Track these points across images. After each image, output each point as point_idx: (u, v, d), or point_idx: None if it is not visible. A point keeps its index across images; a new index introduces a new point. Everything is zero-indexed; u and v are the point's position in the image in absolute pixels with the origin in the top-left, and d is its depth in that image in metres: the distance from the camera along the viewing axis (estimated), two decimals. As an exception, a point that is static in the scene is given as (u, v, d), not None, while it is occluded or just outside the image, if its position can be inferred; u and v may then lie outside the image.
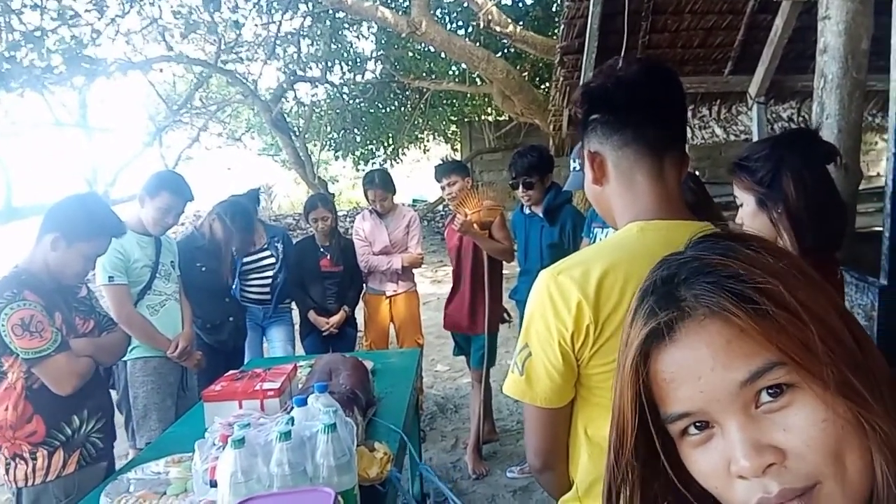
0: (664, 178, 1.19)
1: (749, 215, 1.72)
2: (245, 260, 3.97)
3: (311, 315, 4.25)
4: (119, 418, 2.98)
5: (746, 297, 0.56)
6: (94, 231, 2.34)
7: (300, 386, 2.55)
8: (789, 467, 0.55)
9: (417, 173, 18.60)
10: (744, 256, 0.60)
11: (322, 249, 4.26)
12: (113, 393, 3.08)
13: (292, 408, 1.76)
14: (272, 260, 4.10)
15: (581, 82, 4.36)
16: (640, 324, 0.63)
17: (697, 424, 0.60)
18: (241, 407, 2.31)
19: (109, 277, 2.99)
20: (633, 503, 0.67)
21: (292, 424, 1.59)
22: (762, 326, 0.55)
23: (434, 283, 9.52)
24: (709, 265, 0.60)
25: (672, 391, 0.60)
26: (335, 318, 4.24)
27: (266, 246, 4.09)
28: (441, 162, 4.34)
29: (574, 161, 2.10)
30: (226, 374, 2.61)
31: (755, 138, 4.06)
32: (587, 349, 1.09)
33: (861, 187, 3.07)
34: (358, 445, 1.91)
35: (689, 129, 4.79)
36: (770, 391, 0.56)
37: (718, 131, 4.82)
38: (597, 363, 1.11)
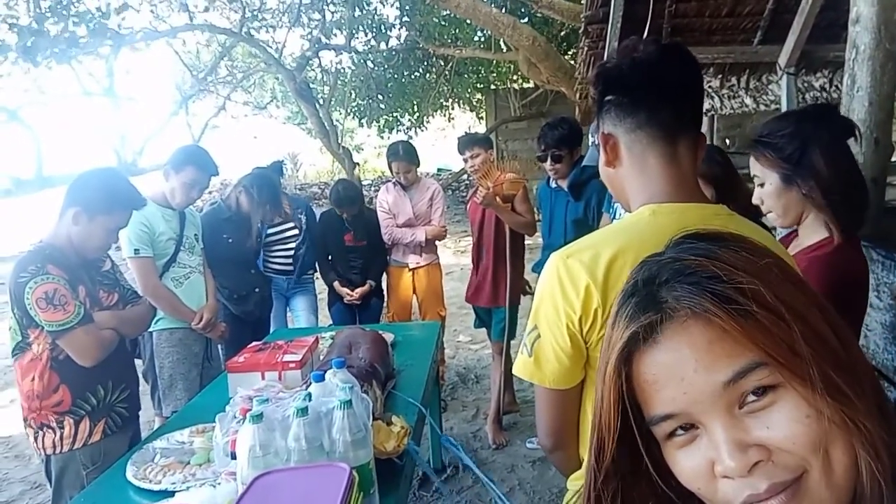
0: (678, 160, 1.17)
1: (772, 194, 1.67)
2: (269, 231, 4.02)
3: (336, 285, 4.30)
4: (145, 387, 3.06)
5: (728, 297, 0.56)
6: (114, 205, 2.38)
7: (321, 357, 2.59)
8: (776, 462, 0.55)
9: (442, 142, 18.53)
10: (724, 257, 0.60)
11: (346, 224, 4.28)
12: (139, 363, 3.16)
13: (310, 383, 1.80)
14: (295, 231, 4.14)
15: (606, 53, 4.29)
16: (623, 326, 0.63)
17: (682, 426, 0.60)
18: (263, 378, 2.37)
19: (135, 250, 3.04)
20: None
21: (310, 400, 1.63)
22: (744, 327, 0.55)
23: (458, 254, 9.55)
24: (689, 266, 0.61)
25: (655, 393, 0.61)
26: (360, 290, 4.28)
27: (290, 217, 4.12)
28: (464, 134, 4.32)
29: (592, 136, 2.08)
30: (249, 346, 2.66)
31: (784, 110, 3.97)
32: (595, 332, 1.10)
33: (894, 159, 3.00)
34: (376, 419, 1.95)
35: (718, 99, 4.69)
36: (753, 391, 0.56)
37: (748, 101, 4.72)
38: None
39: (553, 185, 3.69)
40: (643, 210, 1.16)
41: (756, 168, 1.69)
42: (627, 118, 1.17)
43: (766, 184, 1.67)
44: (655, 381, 0.60)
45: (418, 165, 4.47)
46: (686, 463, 0.61)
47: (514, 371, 1.23)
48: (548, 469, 3.59)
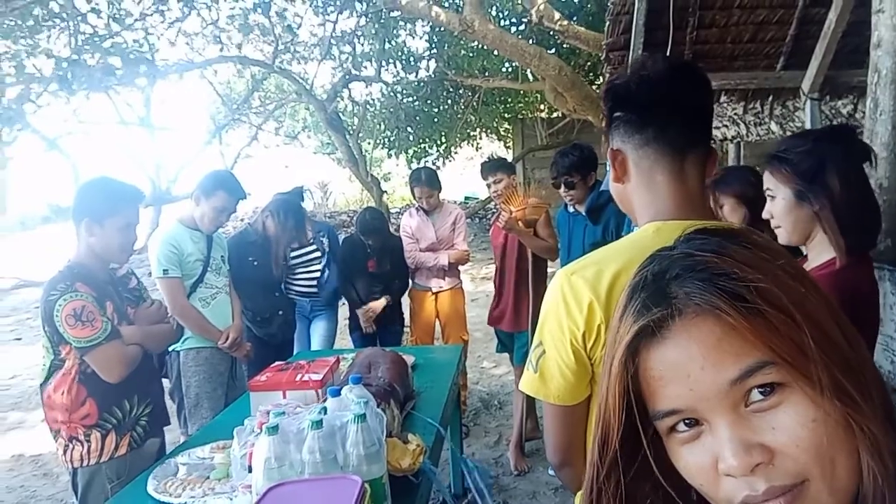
0: (685, 178, 1.18)
1: (784, 209, 1.66)
2: (292, 255, 4.07)
3: (359, 312, 4.34)
4: (171, 407, 3.11)
5: (738, 295, 0.56)
6: (116, 204, 2.43)
7: (342, 378, 2.62)
8: (777, 465, 0.55)
9: (470, 171, 18.63)
10: (736, 254, 0.59)
11: (369, 251, 4.33)
12: (166, 382, 3.21)
13: (327, 398, 1.82)
14: (318, 254, 4.18)
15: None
16: (630, 320, 0.62)
17: (686, 422, 0.59)
18: (284, 397, 2.39)
19: (164, 270, 3.12)
20: (615, 501, 0.67)
21: (325, 414, 1.65)
22: (754, 325, 0.55)
23: (484, 280, 9.54)
24: (700, 262, 0.59)
25: (661, 388, 0.60)
26: (374, 304, 4.30)
27: (312, 241, 4.18)
28: (487, 160, 4.37)
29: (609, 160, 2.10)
30: (272, 365, 2.70)
31: (808, 135, 3.94)
32: (598, 349, 1.10)
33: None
34: (392, 437, 1.96)
35: (744, 126, 4.67)
36: (760, 390, 0.55)
37: (774, 128, 4.70)
38: None
39: (571, 209, 3.70)
40: (648, 227, 1.17)
41: (770, 182, 1.68)
42: (636, 134, 1.18)
43: (778, 198, 1.67)
44: (662, 376, 0.60)
45: (440, 190, 4.53)
46: (690, 459, 0.60)
47: (521, 387, 1.23)
48: (570, 496, 3.53)
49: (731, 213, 2.34)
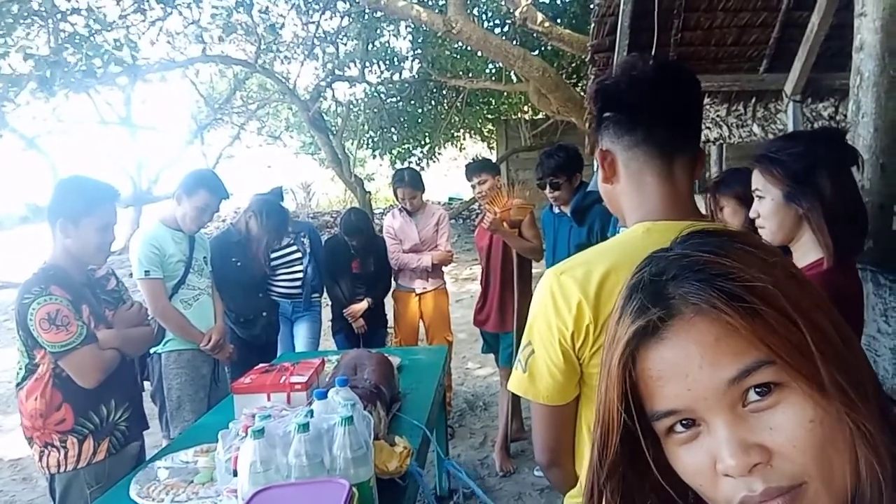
0: (674, 179, 1.18)
1: (771, 209, 1.67)
2: (272, 255, 4.02)
3: (346, 311, 4.33)
4: (153, 410, 3.06)
5: (736, 295, 0.56)
6: (91, 203, 2.38)
7: (327, 380, 2.60)
8: (775, 466, 0.55)
9: (454, 172, 18.65)
10: (733, 254, 0.59)
11: (353, 251, 4.31)
12: (147, 384, 3.17)
13: (313, 400, 1.80)
14: (299, 255, 4.14)
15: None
16: (628, 321, 0.62)
17: (684, 422, 0.59)
18: (269, 399, 2.37)
19: (146, 272, 3.07)
20: (615, 503, 0.67)
21: (311, 417, 1.63)
22: (752, 325, 0.55)
23: (468, 281, 9.54)
24: (698, 262, 0.60)
25: (659, 389, 0.60)
26: (355, 307, 4.30)
27: (292, 241, 4.14)
28: (471, 161, 4.37)
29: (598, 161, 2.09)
30: (256, 367, 2.67)
31: (791, 137, 3.97)
32: (587, 349, 1.10)
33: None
34: (379, 439, 1.95)
35: (726, 128, 4.70)
36: (758, 390, 0.55)
37: (756, 130, 4.73)
38: (597, 362, 1.10)
39: (556, 210, 3.70)
40: (637, 227, 1.17)
41: (759, 181, 1.69)
42: (625, 135, 1.18)
43: (766, 198, 1.67)
44: (660, 376, 0.60)
45: (423, 191, 4.54)
46: (688, 460, 0.60)
47: (509, 387, 1.23)
48: (555, 498, 3.54)
49: (732, 215, 2.35)
